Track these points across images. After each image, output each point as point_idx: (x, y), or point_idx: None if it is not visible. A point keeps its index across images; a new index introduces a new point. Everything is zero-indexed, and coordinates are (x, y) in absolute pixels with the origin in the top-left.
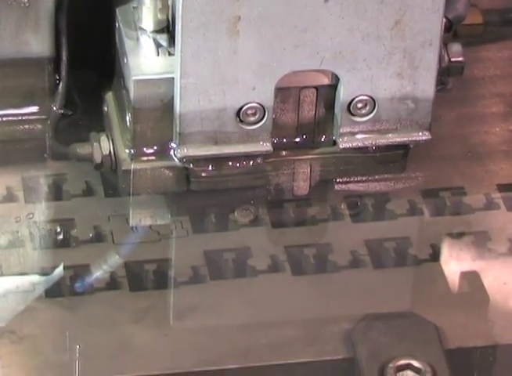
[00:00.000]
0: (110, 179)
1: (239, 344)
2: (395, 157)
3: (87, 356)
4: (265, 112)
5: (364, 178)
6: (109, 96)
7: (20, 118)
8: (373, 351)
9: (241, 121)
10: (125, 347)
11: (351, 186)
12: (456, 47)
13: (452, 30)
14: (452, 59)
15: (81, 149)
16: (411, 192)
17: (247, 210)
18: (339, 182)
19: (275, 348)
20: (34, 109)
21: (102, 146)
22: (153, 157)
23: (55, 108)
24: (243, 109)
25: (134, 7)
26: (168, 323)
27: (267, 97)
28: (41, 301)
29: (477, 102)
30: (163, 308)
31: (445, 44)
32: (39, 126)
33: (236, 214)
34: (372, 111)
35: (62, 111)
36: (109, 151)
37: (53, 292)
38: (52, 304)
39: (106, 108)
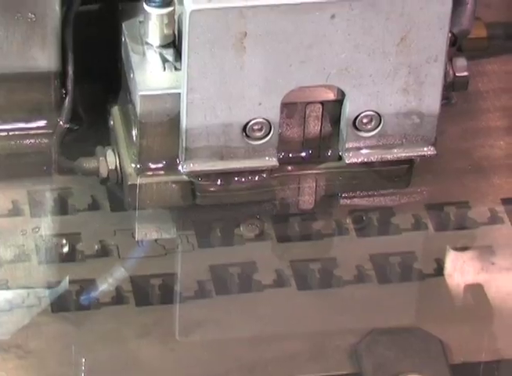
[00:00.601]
0: (116, 193)
1: (244, 359)
2: (400, 172)
3: (93, 371)
4: (271, 127)
5: (369, 193)
6: (115, 110)
7: (26, 132)
8: (378, 366)
9: (247, 136)
10: (131, 362)
11: (356, 201)
12: (460, 62)
13: (456, 44)
14: (457, 74)
15: (87, 163)
16: (416, 206)
17: (253, 224)
18: (344, 197)
19: (281, 363)
20: (40, 123)
21: (109, 160)
22: (159, 172)
23: (61, 122)
24: (250, 124)
25: (140, 21)
26: (174, 338)
27: (273, 113)
28: (47, 316)
29: (482, 116)
30: (169, 323)
31: (449, 59)
32: (45, 140)
33: (241, 228)
34: (377, 126)
35: (68, 125)
36: (116, 165)
37: (59, 307)
38: (58, 318)
39: (111, 122)
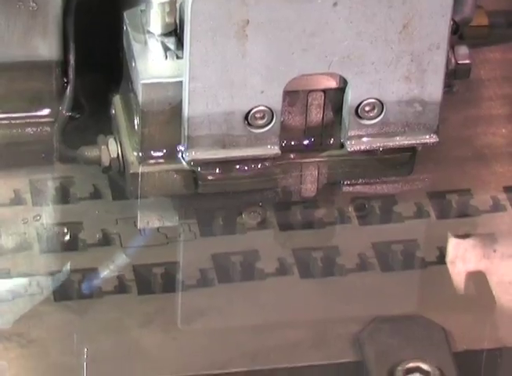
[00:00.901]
0: (118, 182)
1: (247, 347)
2: (402, 160)
3: (95, 360)
4: (273, 115)
5: (371, 181)
6: (117, 99)
7: (28, 121)
8: (381, 354)
9: (249, 124)
10: (133, 351)
11: (359, 189)
12: (462, 50)
13: (458, 32)
14: (459, 62)
15: (89, 152)
16: (418, 194)
17: (255, 213)
18: (346, 185)
19: (284, 351)
20: (42, 112)
21: (110, 149)
22: (161, 160)
23: (63, 111)
24: (252, 112)
25: (141, 10)
26: (176, 327)
27: (275, 101)
28: (50, 305)
29: (483, 104)
30: (171, 311)
31: (451, 46)
32: (47, 129)
33: (243, 217)
34: (380, 114)
35: (69, 114)
36: (118, 154)
37: (61, 295)
38: (60, 307)
39: (113, 111)
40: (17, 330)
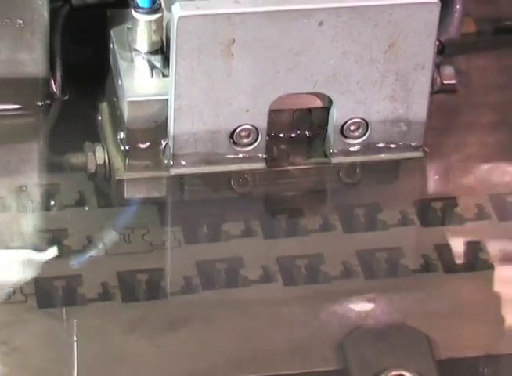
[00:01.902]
0: (103, 189)
1: (230, 355)
2: (387, 168)
3: (78, 368)
4: (258, 134)
5: (356, 189)
6: (104, 106)
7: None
8: (364, 362)
9: (235, 142)
10: (117, 358)
11: (343, 196)
12: (448, 70)
13: (444, 52)
14: (445, 82)
15: (75, 158)
16: (403, 202)
17: (240, 220)
18: (331, 192)
19: (267, 359)
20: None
21: (97, 155)
22: (148, 168)
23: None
24: (237, 131)
25: (128, 28)
26: (161, 334)
27: (260, 119)
28: (33, 312)
29: (470, 111)
30: (155, 319)
31: (437, 66)
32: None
33: (228, 224)
34: (365, 134)
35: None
36: (104, 160)
37: (45, 303)
38: (44, 315)
39: (100, 117)
40: (0, 338)
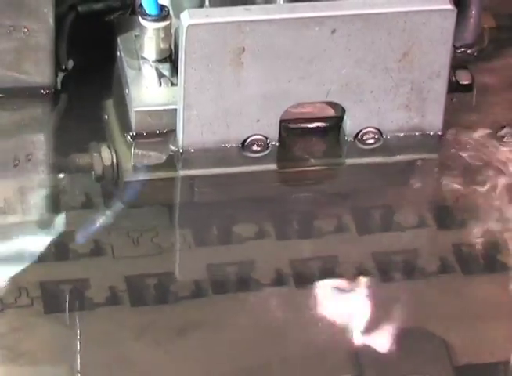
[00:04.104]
0: (111, 190)
1: (242, 361)
2: (403, 169)
3: (86, 374)
4: (269, 144)
5: (370, 190)
6: (110, 104)
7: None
8: (380, 368)
9: (245, 153)
10: (125, 364)
11: (358, 198)
12: (465, 74)
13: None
14: (461, 83)
15: (81, 160)
16: (418, 204)
17: (252, 222)
18: (345, 194)
19: (280, 365)
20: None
21: (103, 156)
22: (157, 169)
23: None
24: (247, 141)
25: (136, 35)
26: (170, 340)
27: (272, 129)
28: (40, 317)
29: (488, 109)
30: (164, 324)
31: (453, 69)
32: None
33: (240, 226)
34: (378, 143)
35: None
36: (111, 162)
37: (52, 307)
38: (51, 320)
39: (106, 116)
40: (7, 343)
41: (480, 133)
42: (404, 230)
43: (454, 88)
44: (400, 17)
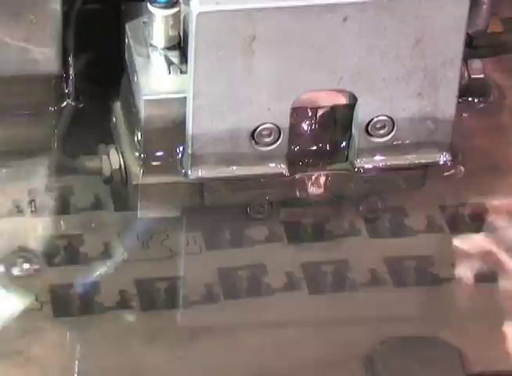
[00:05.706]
0: (120, 193)
1: (253, 366)
2: (414, 174)
3: None
4: (280, 133)
5: (382, 194)
6: (117, 106)
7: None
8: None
9: (256, 142)
10: (135, 370)
11: (369, 202)
12: (476, 64)
13: (472, 45)
14: (473, 76)
15: (90, 162)
16: (430, 208)
17: (263, 225)
18: (356, 198)
19: (292, 371)
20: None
21: (112, 159)
22: (166, 172)
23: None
24: (258, 130)
25: (144, 22)
26: (181, 345)
27: (282, 118)
28: (50, 321)
29: (499, 113)
30: (175, 328)
31: (464, 60)
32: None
33: (250, 229)
34: (391, 132)
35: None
36: (120, 165)
37: (61, 311)
38: (61, 323)
39: (114, 119)
40: (16, 347)
41: None
42: (415, 234)
43: None
44: (413, 4)
